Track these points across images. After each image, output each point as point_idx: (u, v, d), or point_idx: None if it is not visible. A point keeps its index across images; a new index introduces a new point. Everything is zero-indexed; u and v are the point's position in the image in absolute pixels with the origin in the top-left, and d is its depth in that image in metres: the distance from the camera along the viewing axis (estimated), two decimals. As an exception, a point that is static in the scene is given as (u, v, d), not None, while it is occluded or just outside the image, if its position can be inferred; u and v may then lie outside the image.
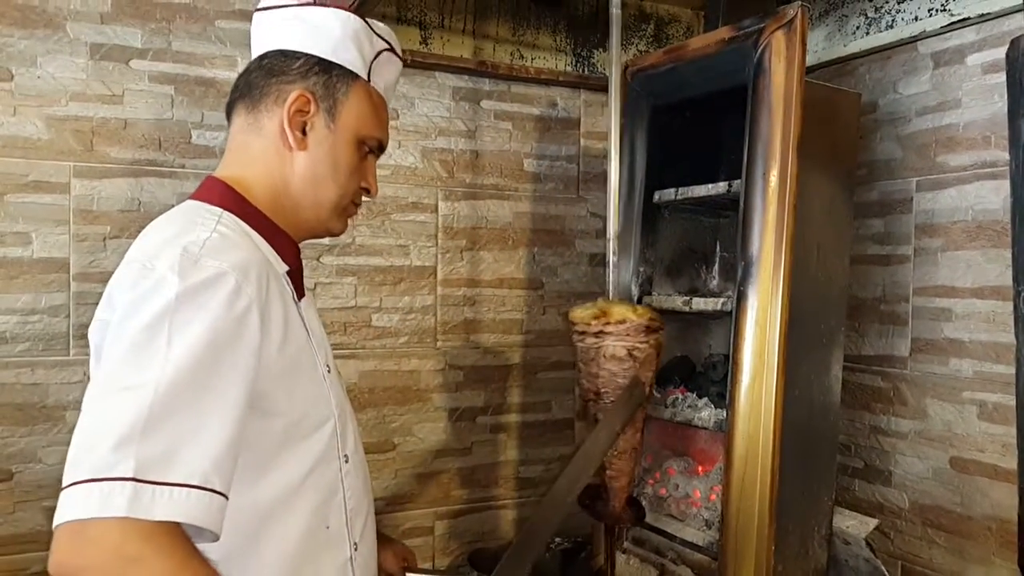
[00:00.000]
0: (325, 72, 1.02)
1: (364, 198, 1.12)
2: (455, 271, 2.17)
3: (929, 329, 1.86)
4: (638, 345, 1.56)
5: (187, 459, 0.76)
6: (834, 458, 1.79)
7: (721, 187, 1.69)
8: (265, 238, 0.99)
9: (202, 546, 0.80)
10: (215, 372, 0.81)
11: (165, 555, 0.74)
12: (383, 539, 1.25)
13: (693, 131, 1.89)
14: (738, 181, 1.61)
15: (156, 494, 0.73)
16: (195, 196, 1.01)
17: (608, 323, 1.55)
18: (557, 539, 2.14)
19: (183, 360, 0.78)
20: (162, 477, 0.74)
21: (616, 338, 1.55)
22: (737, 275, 1.56)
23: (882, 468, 1.97)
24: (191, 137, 1.87)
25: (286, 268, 1.02)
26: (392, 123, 1.24)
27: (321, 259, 2.00)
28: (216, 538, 0.80)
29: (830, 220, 1.73)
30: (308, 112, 1.01)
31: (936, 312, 1.85)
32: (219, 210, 0.96)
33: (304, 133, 1.01)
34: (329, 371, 1.06)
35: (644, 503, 1.78)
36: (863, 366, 2.01)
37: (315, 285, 1.98)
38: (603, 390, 1.56)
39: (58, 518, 0.73)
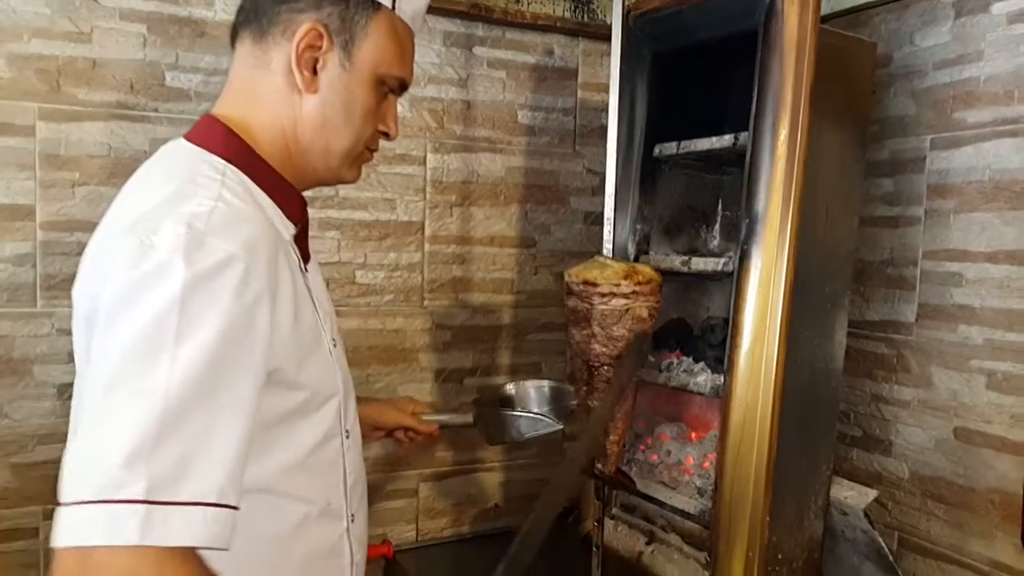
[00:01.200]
0: (342, 0, 0.90)
1: (383, 142, 1.02)
2: (444, 227, 2.08)
3: (937, 294, 1.78)
4: (655, 304, 1.50)
5: (200, 472, 0.70)
6: (834, 427, 1.73)
7: (726, 140, 1.59)
8: (271, 196, 0.90)
9: None
10: (226, 371, 0.73)
11: None
12: (373, 402, 1.22)
13: (697, 80, 1.78)
14: (745, 134, 1.51)
15: (169, 516, 0.67)
16: (193, 139, 0.90)
17: (640, 282, 1.47)
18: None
19: (193, 359, 0.70)
20: (175, 496, 0.68)
21: (644, 299, 1.48)
22: (740, 233, 1.48)
23: (882, 437, 1.91)
24: (165, 79, 1.75)
25: (293, 231, 0.94)
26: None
27: (303, 211, 1.90)
28: (226, 550, 0.74)
29: (840, 178, 1.64)
30: (320, 48, 0.89)
31: (946, 277, 1.77)
32: (222, 163, 0.86)
33: (315, 72, 0.90)
34: (335, 345, 0.99)
35: (633, 470, 1.72)
36: (867, 332, 1.94)
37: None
38: (622, 353, 1.49)
39: (60, 540, 0.66)
